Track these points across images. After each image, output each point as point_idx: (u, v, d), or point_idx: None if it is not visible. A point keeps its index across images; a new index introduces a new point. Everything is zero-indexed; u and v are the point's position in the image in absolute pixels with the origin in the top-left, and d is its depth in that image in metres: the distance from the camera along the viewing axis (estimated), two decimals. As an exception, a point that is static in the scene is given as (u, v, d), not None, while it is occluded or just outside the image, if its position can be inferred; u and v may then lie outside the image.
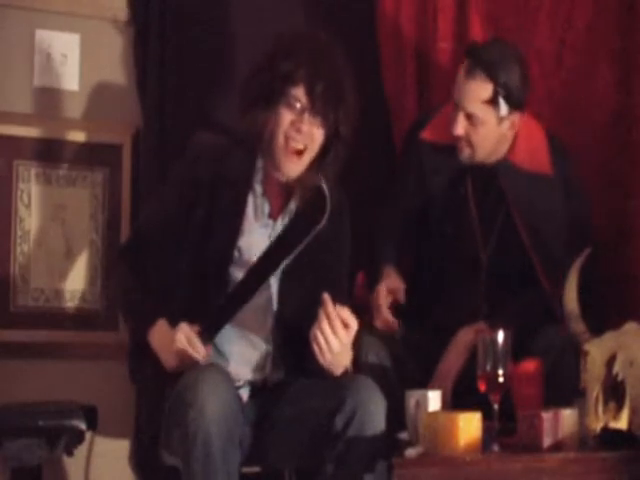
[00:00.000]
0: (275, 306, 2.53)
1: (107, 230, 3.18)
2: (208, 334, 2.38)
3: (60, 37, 3.17)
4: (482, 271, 2.91)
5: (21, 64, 3.14)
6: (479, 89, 2.79)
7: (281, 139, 2.49)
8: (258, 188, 2.55)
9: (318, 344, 2.30)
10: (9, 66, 3.12)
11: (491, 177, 2.90)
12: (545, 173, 2.90)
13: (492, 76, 2.77)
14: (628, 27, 3.18)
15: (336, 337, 2.30)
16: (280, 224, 2.56)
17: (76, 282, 3.15)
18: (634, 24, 3.16)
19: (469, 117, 2.81)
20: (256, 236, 2.53)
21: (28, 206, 3.12)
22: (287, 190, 2.57)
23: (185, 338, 2.32)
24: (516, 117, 2.84)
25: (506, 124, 2.84)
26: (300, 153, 2.50)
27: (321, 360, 2.32)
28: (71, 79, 3.19)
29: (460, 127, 2.81)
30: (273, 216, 2.56)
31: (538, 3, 3.26)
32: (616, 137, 3.16)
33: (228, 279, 2.49)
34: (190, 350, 2.32)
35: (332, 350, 2.30)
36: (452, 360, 2.80)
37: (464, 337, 2.80)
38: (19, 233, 3.10)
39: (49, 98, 3.16)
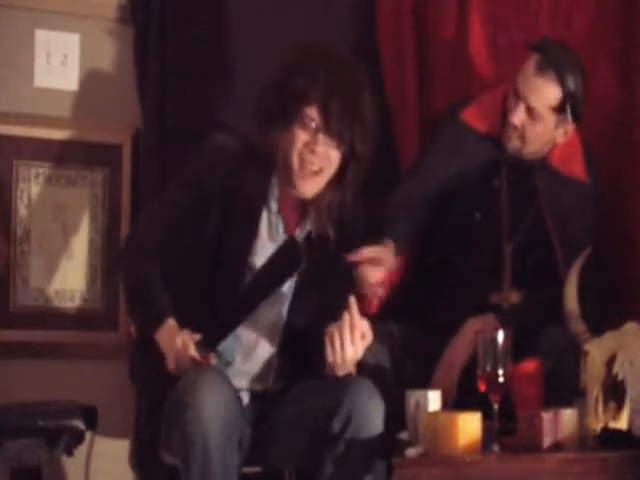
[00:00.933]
0: (284, 320, 2.52)
1: (107, 230, 3.18)
2: (208, 345, 2.33)
3: (60, 37, 3.17)
4: (506, 261, 2.89)
5: (21, 64, 3.14)
6: (549, 90, 2.80)
7: (295, 160, 2.44)
8: (273, 205, 2.50)
9: (333, 345, 2.30)
10: (9, 66, 3.12)
11: (527, 173, 2.91)
12: (581, 179, 2.91)
13: (563, 81, 2.79)
14: (628, 27, 3.17)
15: (352, 346, 2.30)
16: (296, 239, 2.52)
17: (76, 282, 3.15)
18: (634, 24, 3.15)
19: (529, 111, 2.82)
20: (269, 254, 2.50)
21: (28, 206, 3.12)
22: (302, 207, 2.53)
23: (182, 345, 2.28)
24: (571, 127, 2.86)
25: (561, 131, 2.87)
26: (316, 174, 2.46)
27: (330, 358, 2.32)
28: (71, 79, 3.19)
29: (518, 118, 2.82)
30: (288, 232, 2.52)
31: (538, 3, 3.26)
32: (616, 137, 3.16)
33: (238, 296, 2.46)
34: (184, 358, 2.27)
35: (345, 357, 2.31)
36: (459, 350, 2.77)
37: (472, 327, 2.79)
38: (19, 233, 3.10)
39: (49, 98, 3.16)
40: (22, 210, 3.11)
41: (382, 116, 3.26)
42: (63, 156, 3.15)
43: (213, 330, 2.39)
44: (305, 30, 3.20)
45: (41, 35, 3.16)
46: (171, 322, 2.34)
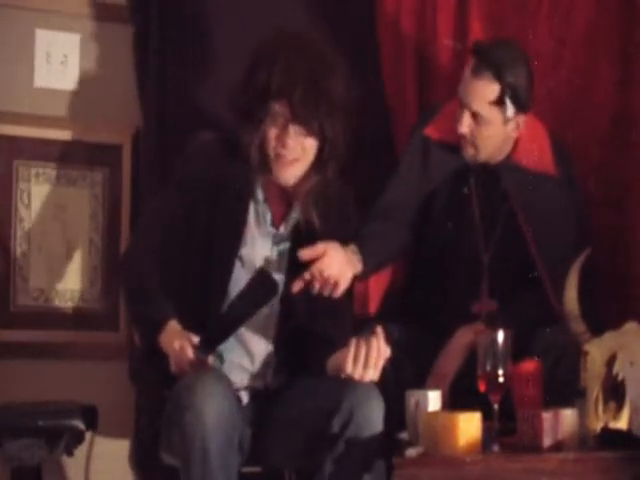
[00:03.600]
0: (277, 316, 2.52)
1: (107, 230, 3.18)
2: (205, 348, 2.32)
3: (60, 37, 3.18)
4: (484, 271, 2.90)
5: (21, 64, 3.14)
6: (486, 89, 2.78)
7: (271, 154, 2.47)
8: (259, 194, 2.53)
9: (356, 360, 2.30)
10: (9, 66, 3.12)
11: (495, 177, 2.90)
12: (549, 173, 2.90)
13: (499, 76, 2.76)
14: (629, 26, 3.17)
15: (375, 371, 2.32)
16: (283, 232, 2.54)
17: (76, 282, 3.15)
18: (634, 24, 3.15)
19: (474, 116, 2.80)
20: (258, 245, 2.51)
21: (28, 206, 3.12)
22: (288, 198, 2.54)
23: (180, 349, 2.27)
24: (521, 118, 2.84)
25: (511, 125, 2.84)
26: (293, 162, 2.48)
27: (349, 370, 2.31)
28: (71, 79, 3.19)
29: (465, 126, 2.81)
30: (275, 224, 2.54)
31: (538, 3, 3.26)
32: (616, 137, 3.16)
33: (230, 289, 2.46)
34: (184, 361, 2.28)
35: (364, 376, 2.31)
36: (449, 360, 2.79)
37: (462, 337, 2.80)
38: (19, 233, 3.10)
39: (49, 98, 3.16)
40: (22, 210, 3.11)
41: (382, 116, 3.30)
42: (63, 156, 3.15)
43: (208, 331, 2.36)
44: (306, 30, 3.19)
45: (41, 35, 3.16)
46: (173, 324, 2.33)
